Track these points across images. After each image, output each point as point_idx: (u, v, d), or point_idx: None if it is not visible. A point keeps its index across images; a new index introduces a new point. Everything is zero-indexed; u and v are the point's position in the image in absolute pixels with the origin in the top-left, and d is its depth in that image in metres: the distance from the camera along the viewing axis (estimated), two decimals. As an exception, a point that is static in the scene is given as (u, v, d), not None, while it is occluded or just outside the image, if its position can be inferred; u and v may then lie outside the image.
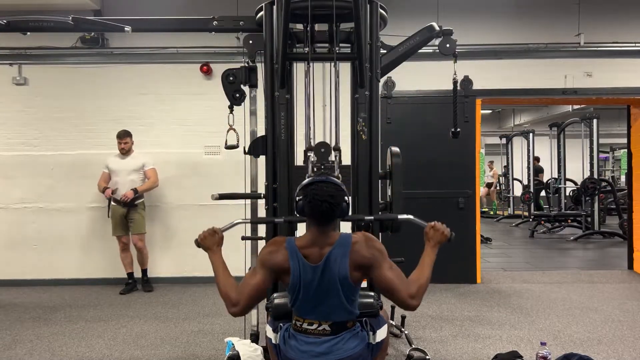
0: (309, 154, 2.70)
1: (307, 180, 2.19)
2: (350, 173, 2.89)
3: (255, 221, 3.11)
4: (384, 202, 3.02)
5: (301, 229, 2.38)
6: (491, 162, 15.19)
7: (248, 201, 3.53)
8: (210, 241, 2.27)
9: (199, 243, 2.29)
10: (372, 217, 2.73)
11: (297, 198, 2.13)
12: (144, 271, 5.39)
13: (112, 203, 5.19)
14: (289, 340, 2.11)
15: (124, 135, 5.26)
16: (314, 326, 2.07)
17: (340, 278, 2.02)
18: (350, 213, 2.53)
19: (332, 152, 2.67)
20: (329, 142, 3.11)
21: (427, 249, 2.22)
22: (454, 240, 2.28)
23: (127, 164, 5.27)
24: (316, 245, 2.06)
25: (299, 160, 3.04)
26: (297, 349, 2.07)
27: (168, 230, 5.65)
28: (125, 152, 5.28)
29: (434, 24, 3.12)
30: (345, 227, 2.77)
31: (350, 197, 2.22)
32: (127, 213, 5.20)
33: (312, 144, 3.11)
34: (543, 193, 12.33)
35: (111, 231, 5.26)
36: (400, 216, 2.65)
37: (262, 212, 3.18)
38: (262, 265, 2.10)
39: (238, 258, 3.50)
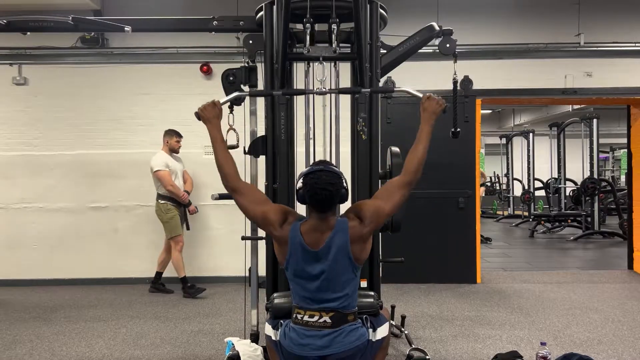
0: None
1: (306, 169, 2.25)
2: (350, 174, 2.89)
3: (253, 94, 3.06)
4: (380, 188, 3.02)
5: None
6: None
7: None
8: (210, 112, 2.33)
9: (199, 115, 2.35)
10: (369, 89, 2.67)
11: (298, 187, 2.19)
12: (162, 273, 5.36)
13: (172, 203, 5.09)
14: (289, 334, 2.12)
15: (180, 134, 5.21)
16: (315, 318, 2.08)
17: (342, 260, 2.09)
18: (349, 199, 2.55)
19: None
20: (328, 142, 3.12)
21: (423, 121, 2.30)
22: (447, 109, 2.37)
23: (179, 164, 5.24)
24: (317, 230, 2.13)
25: (299, 161, 3.04)
26: (297, 342, 2.08)
27: (168, 230, 5.65)
28: (177, 151, 5.24)
29: (434, 24, 3.11)
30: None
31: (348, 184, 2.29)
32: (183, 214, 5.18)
33: (312, 144, 3.12)
34: (543, 193, 12.33)
35: (170, 232, 5.08)
36: (396, 88, 2.64)
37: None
38: (271, 206, 2.23)
39: (238, 258, 3.50)
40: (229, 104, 2.63)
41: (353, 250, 2.10)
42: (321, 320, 2.08)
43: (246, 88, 3.24)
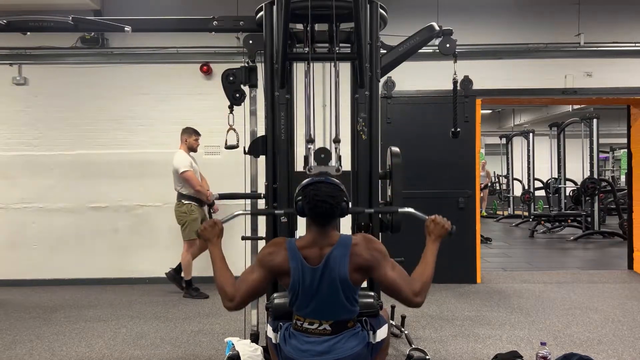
0: (309, 171, 2.69)
1: (306, 181, 2.18)
2: (349, 175, 2.88)
3: (255, 212, 3.10)
4: (384, 202, 3.02)
5: (301, 228, 2.38)
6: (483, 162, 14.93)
7: (248, 201, 3.53)
8: (211, 233, 2.28)
9: (199, 234, 2.32)
10: (372, 210, 2.73)
11: (297, 199, 2.13)
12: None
13: (196, 204, 5.03)
14: (289, 339, 2.11)
15: (198, 132, 5.13)
16: (315, 325, 2.07)
17: (340, 279, 2.02)
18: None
19: (333, 144, 2.65)
20: (329, 143, 3.11)
21: (428, 243, 2.22)
22: (455, 233, 2.27)
23: (195, 164, 5.16)
24: (316, 245, 2.07)
25: (299, 161, 3.04)
26: (297, 348, 2.07)
27: (168, 230, 5.65)
28: (195, 150, 5.17)
29: (434, 24, 3.12)
30: (345, 228, 2.77)
31: (349, 198, 2.22)
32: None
33: (312, 144, 3.12)
34: (543, 193, 12.33)
35: (190, 234, 4.98)
36: (400, 209, 2.64)
37: (262, 212, 3.18)
38: (260, 265, 2.11)
39: (238, 258, 3.50)
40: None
41: (351, 270, 2.02)
42: (321, 327, 2.06)
43: (246, 88, 3.25)
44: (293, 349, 2.08)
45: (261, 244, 3.11)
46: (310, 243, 2.08)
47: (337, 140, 2.66)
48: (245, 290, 2.08)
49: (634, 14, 5.80)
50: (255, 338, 3.25)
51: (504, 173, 14.29)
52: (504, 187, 14.53)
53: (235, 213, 2.66)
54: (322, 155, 2.54)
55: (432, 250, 2.19)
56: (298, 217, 2.30)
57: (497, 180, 15.28)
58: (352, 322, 2.11)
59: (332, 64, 2.99)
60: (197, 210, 5.04)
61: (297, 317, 2.12)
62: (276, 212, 2.71)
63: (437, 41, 3.14)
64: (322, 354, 2.03)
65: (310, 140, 2.65)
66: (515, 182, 13.54)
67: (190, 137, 5.09)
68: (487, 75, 5.47)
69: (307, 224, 2.14)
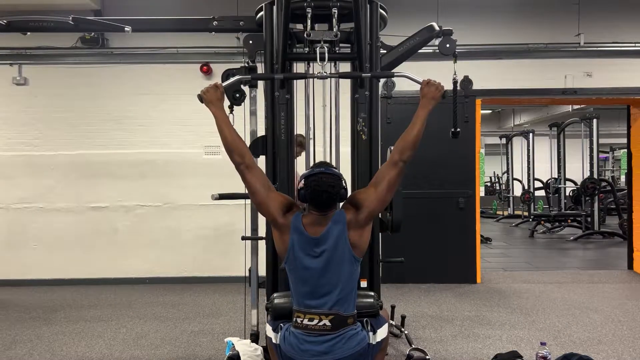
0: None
1: (307, 171, 2.31)
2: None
3: (255, 77, 3.04)
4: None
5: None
6: None
7: (248, 201, 3.53)
8: (213, 95, 2.31)
9: (201, 97, 2.33)
10: (370, 74, 2.68)
11: (299, 187, 2.24)
12: None
13: None
14: (289, 338, 2.12)
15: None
16: (315, 322, 2.08)
17: (341, 246, 2.13)
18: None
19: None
20: (328, 142, 3.12)
21: (420, 105, 2.26)
22: (447, 95, 2.34)
23: None
24: (317, 224, 2.19)
25: (299, 161, 3.04)
26: (297, 347, 2.08)
27: (168, 230, 5.65)
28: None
29: (434, 24, 3.11)
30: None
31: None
32: None
33: (312, 144, 3.12)
34: (543, 193, 12.34)
35: None
36: (396, 73, 2.59)
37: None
38: (278, 194, 2.28)
39: (238, 258, 3.50)
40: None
41: (350, 237, 2.14)
42: (321, 323, 2.08)
43: (246, 88, 3.25)
44: (293, 348, 2.08)
45: (261, 243, 3.11)
46: (312, 222, 2.20)
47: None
48: (258, 169, 2.25)
49: (634, 14, 5.80)
50: (255, 338, 3.25)
51: (503, 172, 14.28)
52: (504, 187, 14.54)
53: (237, 77, 2.69)
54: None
55: (422, 114, 2.24)
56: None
57: (497, 180, 15.30)
58: (352, 319, 2.12)
59: (332, 64, 3.00)
60: None
61: (297, 314, 2.12)
62: (275, 76, 2.69)
63: (437, 41, 3.13)
64: (322, 354, 2.04)
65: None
66: (515, 182, 13.54)
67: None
68: (487, 75, 5.47)
69: (309, 208, 2.25)
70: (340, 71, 3.04)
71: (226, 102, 3.16)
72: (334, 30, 2.64)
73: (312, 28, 2.80)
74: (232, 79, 2.62)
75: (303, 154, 4.31)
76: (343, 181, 2.25)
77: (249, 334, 3.34)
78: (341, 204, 2.29)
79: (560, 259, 7.50)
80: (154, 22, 3.78)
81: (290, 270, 2.18)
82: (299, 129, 3.05)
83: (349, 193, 2.33)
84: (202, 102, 2.34)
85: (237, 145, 2.21)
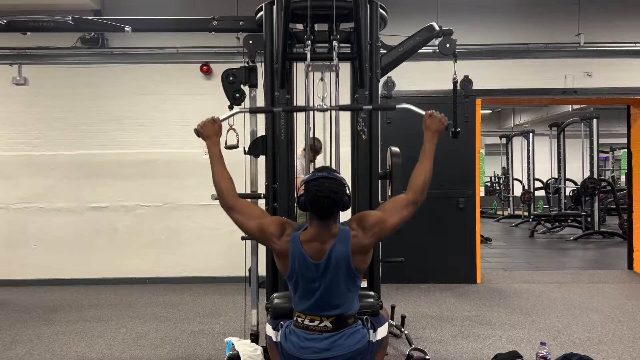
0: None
1: (308, 176, 2.19)
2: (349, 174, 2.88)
3: (254, 110, 3.05)
4: (384, 202, 3.02)
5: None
6: None
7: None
8: (210, 130, 2.29)
9: (198, 131, 2.30)
10: (371, 107, 2.68)
11: (299, 193, 2.15)
12: None
13: None
14: (289, 336, 2.12)
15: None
16: (316, 322, 2.08)
17: (344, 271, 2.05)
18: (350, 209, 2.52)
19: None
20: (329, 143, 3.11)
21: (426, 138, 2.24)
22: (451, 128, 2.32)
23: None
24: (318, 239, 2.08)
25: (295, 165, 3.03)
26: (298, 345, 2.08)
27: (168, 230, 5.65)
28: None
29: (434, 24, 3.11)
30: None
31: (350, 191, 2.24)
32: None
33: (312, 144, 3.12)
34: (543, 193, 12.34)
35: None
36: (398, 105, 2.60)
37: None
38: (268, 219, 2.18)
39: (238, 258, 3.50)
40: (229, 119, 2.57)
41: (354, 261, 2.06)
42: (322, 324, 2.07)
43: (246, 88, 3.25)
44: (294, 346, 2.09)
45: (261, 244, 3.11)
46: (312, 237, 2.09)
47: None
48: (243, 204, 2.19)
49: (634, 14, 5.80)
50: (255, 338, 3.25)
51: (502, 171, 14.28)
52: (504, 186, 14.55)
53: (235, 110, 2.66)
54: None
55: (430, 146, 2.23)
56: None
57: (497, 180, 15.30)
58: (352, 319, 2.12)
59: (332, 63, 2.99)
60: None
61: (298, 314, 2.12)
62: (274, 109, 2.69)
63: (437, 41, 3.13)
64: (323, 351, 2.04)
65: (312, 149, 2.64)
66: (515, 182, 13.54)
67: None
68: (487, 75, 5.47)
69: (310, 218, 2.14)
70: (340, 71, 3.03)
71: (227, 102, 3.18)
72: (334, 62, 2.61)
73: (312, 28, 2.81)
74: (230, 113, 2.58)
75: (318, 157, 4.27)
76: (346, 188, 2.13)
77: (249, 334, 3.34)
78: (342, 213, 2.24)
79: (560, 259, 7.50)
80: (154, 22, 3.78)
81: (291, 286, 2.15)
82: (299, 129, 3.05)
83: (352, 196, 2.30)
84: (198, 136, 2.30)
85: (220, 187, 2.20)
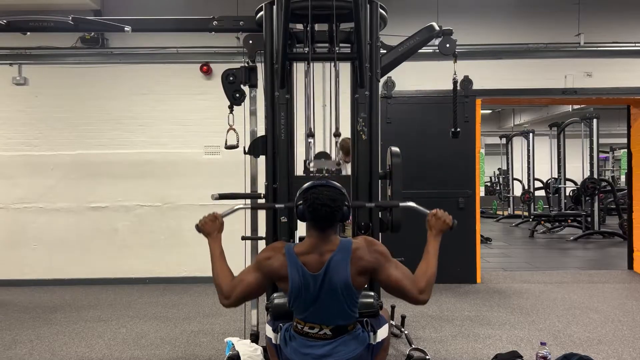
0: (309, 164, 2.69)
1: (307, 184, 2.13)
2: (349, 180, 2.88)
3: (255, 206, 3.08)
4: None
5: (301, 228, 2.38)
6: None
7: (248, 201, 3.53)
8: (211, 227, 2.27)
9: (199, 228, 2.28)
10: (373, 204, 2.70)
11: (298, 203, 2.10)
12: None
13: None
14: (289, 341, 2.11)
15: None
16: (315, 330, 2.07)
17: (342, 286, 2.00)
18: (350, 218, 2.51)
19: (334, 138, 2.66)
20: (329, 144, 3.11)
21: (430, 238, 2.20)
22: (456, 228, 2.25)
23: None
24: (316, 251, 2.03)
25: (299, 161, 3.04)
26: (297, 351, 2.07)
27: (168, 230, 5.66)
28: None
29: (434, 24, 3.11)
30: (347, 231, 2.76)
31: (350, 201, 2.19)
32: None
33: (312, 144, 3.11)
34: (543, 193, 12.34)
35: None
36: (402, 203, 2.62)
37: (262, 212, 3.18)
38: (257, 269, 2.10)
39: (238, 258, 3.50)
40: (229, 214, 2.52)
41: (352, 276, 2.00)
42: (321, 332, 2.06)
43: (246, 88, 3.25)
44: (294, 351, 2.08)
45: (261, 243, 3.11)
46: (310, 249, 2.04)
47: (337, 134, 2.66)
48: (241, 292, 2.09)
49: (634, 14, 5.81)
50: (255, 338, 3.25)
51: (500, 170, 14.27)
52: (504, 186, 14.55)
53: (236, 207, 2.66)
54: (322, 159, 2.54)
55: (434, 246, 2.18)
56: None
57: (497, 180, 15.30)
58: (352, 325, 2.11)
59: (332, 64, 2.99)
60: None
61: (298, 321, 2.11)
62: (276, 205, 2.71)
63: (437, 41, 3.13)
64: (322, 357, 2.03)
65: (310, 134, 2.64)
66: (515, 182, 13.54)
67: None
68: (487, 75, 5.47)
69: (307, 228, 2.09)
70: (340, 70, 3.02)
71: (226, 102, 3.18)
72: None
73: (312, 28, 2.81)
74: (230, 210, 2.55)
75: (347, 166, 4.23)
76: (345, 197, 2.07)
77: (249, 334, 3.34)
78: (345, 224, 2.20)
79: (560, 259, 7.50)
80: (154, 22, 3.78)
81: (290, 298, 2.09)
82: (299, 129, 3.05)
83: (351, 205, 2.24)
84: (199, 232, 2.27)
85: (221, 288, 2.11)
